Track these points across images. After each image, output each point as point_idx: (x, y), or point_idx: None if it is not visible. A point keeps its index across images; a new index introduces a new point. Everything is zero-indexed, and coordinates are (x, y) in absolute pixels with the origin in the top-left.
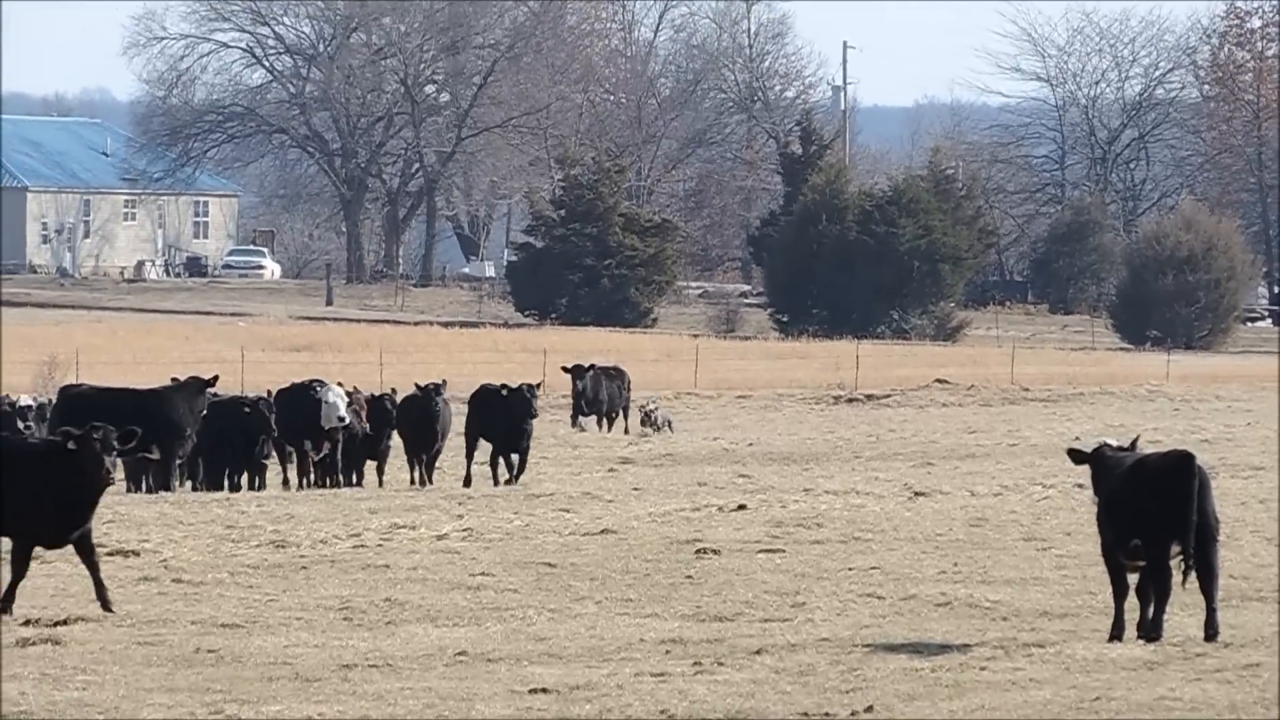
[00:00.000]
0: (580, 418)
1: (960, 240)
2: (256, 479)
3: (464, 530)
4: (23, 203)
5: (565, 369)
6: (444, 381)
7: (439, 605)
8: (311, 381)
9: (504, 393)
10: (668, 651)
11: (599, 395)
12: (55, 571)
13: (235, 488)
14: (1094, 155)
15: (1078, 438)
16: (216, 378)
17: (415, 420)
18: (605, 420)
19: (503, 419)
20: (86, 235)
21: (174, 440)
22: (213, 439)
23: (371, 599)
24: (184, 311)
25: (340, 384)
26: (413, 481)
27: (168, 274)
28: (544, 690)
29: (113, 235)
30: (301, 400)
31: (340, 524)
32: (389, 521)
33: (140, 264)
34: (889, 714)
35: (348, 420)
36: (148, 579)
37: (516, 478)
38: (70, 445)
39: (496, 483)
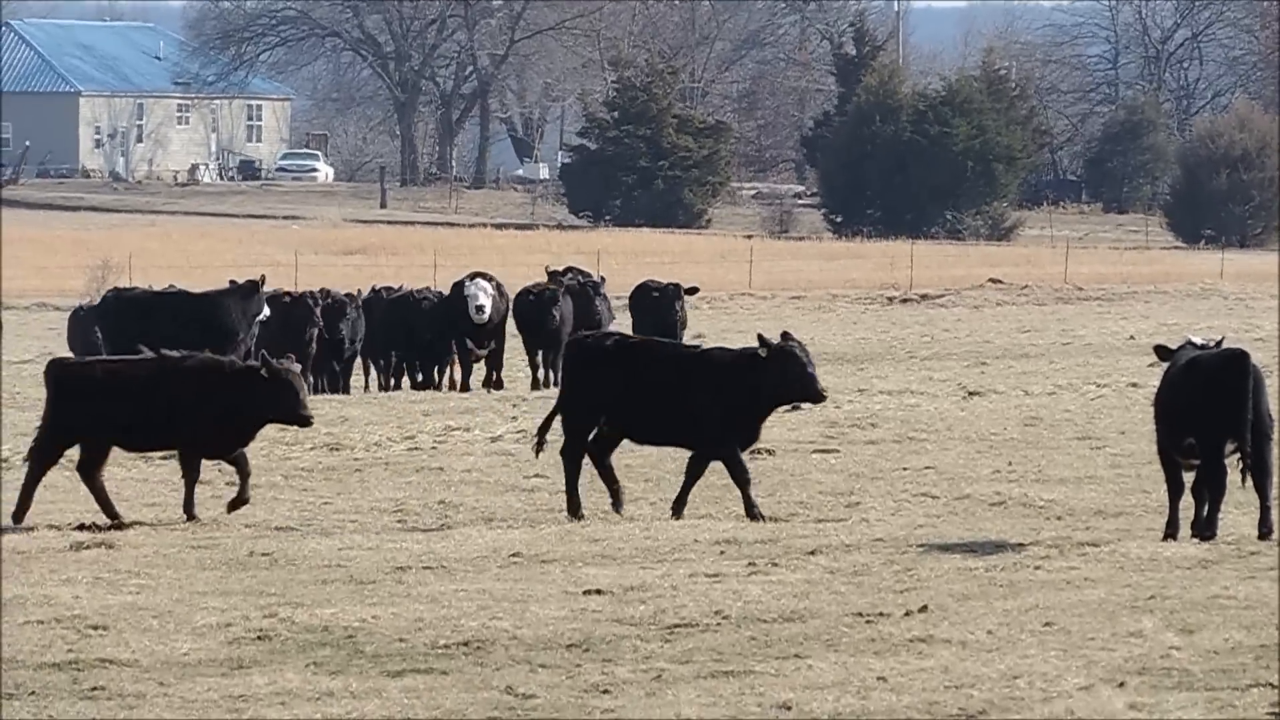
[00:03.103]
0: None
1: (1014, 140)
2: (437, 373)
3: (518, 432)
4: (75, 107)
5: (549, 270)
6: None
7: (493, 507)
8: (474, 274)
9: (655, 294)
10: (722, 552)
11: None
12: (109, 475)
13: (418, 385)
14: (1147, 54)
15: (1132, 336)
16: (264, 277)
17: (535, 320)
18: None
19: (652, 315)
20: (140, 139)
21: (226, 344)
22: (389, 335)
23: (426, 501)
24: (237, 215)
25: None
26: (534, 384)
27: (221, 177)
28: (598, 591)
29: (166, 139)
30: (458, 296)
31: (394, 426)
32: (443, 424)
33: (193, 168)
34: (943, 614)
35: (488, 312)
36: (201, 482)
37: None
38: (761, 353)
39: None
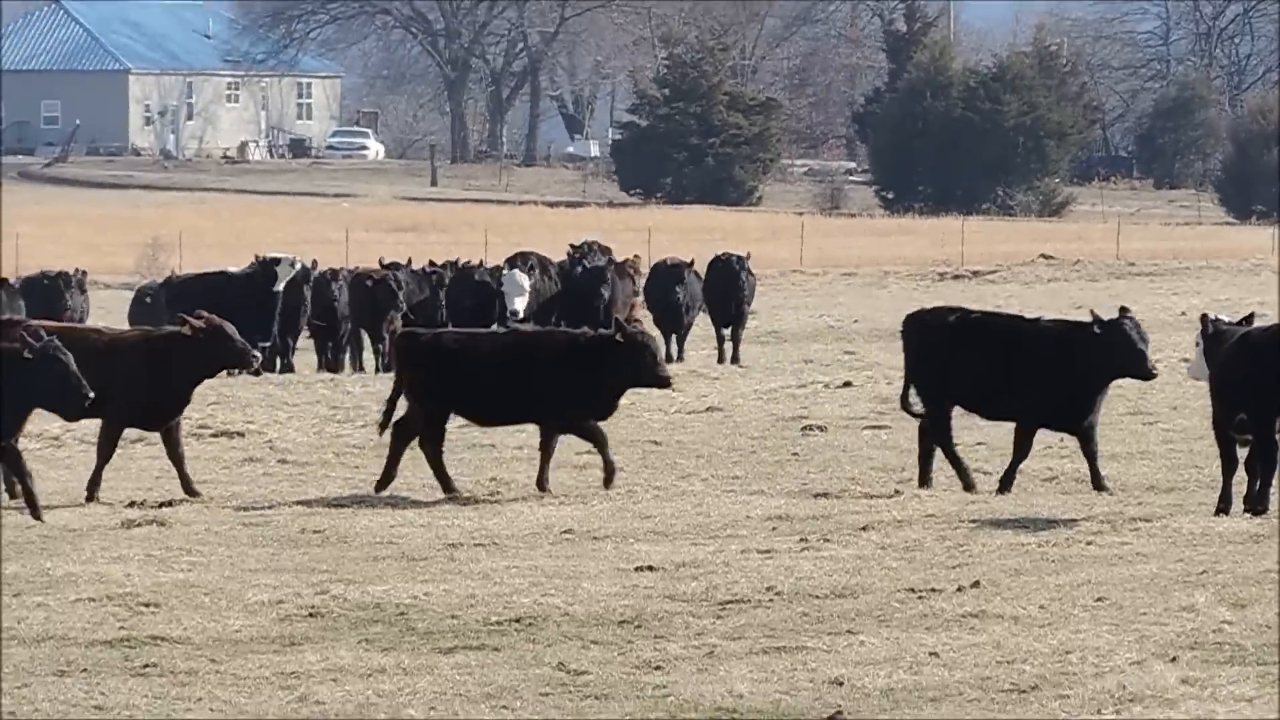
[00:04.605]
0: None
1: (1065, 116)
2: None
3: None
4: (125, 85)
5: (573, 246)
6: (691, 260)
7: None
8: (516, 256)
9: (720, 265)
10: (774, 528)
11: None
12: (159, 454)
13: None
14: (1198, 30)
15: (1184, 312)
16: (315, 262)
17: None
18: None
19: (721, 290)
20: (190, 117)
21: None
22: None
23: (477, 478)
24: (287, 193)
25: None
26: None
27: (271, 155)
28: (650, 568)
29: (216, 117)
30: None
31: None
32: None
33: (243, 145)
34: (995, 589)
35: (521, 314)
36: (253, 460)
37: (736, 353)
38: (1096, 330)
39: (721, 359)
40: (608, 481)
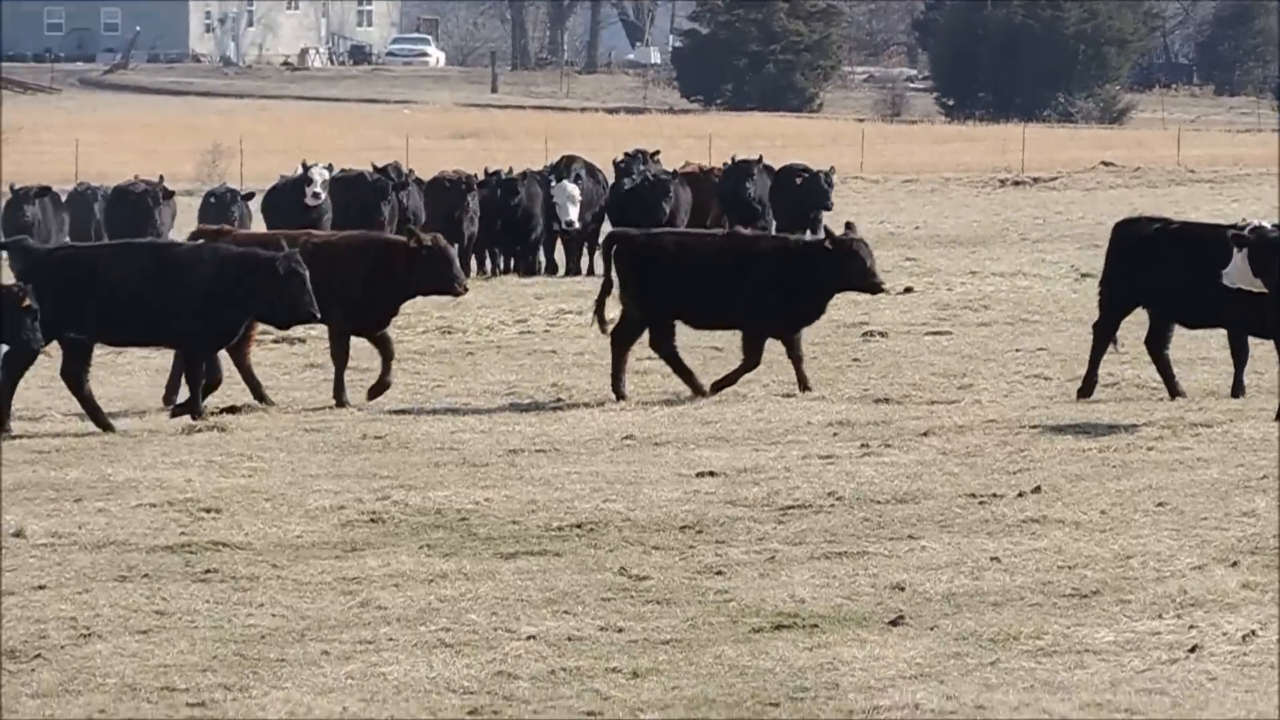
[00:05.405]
0: None
1: (1126, 23)
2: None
3: None
4: None
5: (626, 154)
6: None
7: (605, 389)
8: (565, 161)
9: (798, 181)
10: (835, 434)
11: None
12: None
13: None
14: None
15: (1247, 221)
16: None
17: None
18: None
19: (792, 200)
20: (250, 24)
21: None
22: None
23: (538, 384)
24: (348, 99)
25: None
26: None
27: (331, 62)
28: (711, 473)
29: (276, 23)
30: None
31: (506, 310)
32: (555, 307)
33: (304, 52)
34: (1056, 494)
35: (575, 223)
36: (313, 366)
37: None
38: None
39: None
40: (802, 386)
